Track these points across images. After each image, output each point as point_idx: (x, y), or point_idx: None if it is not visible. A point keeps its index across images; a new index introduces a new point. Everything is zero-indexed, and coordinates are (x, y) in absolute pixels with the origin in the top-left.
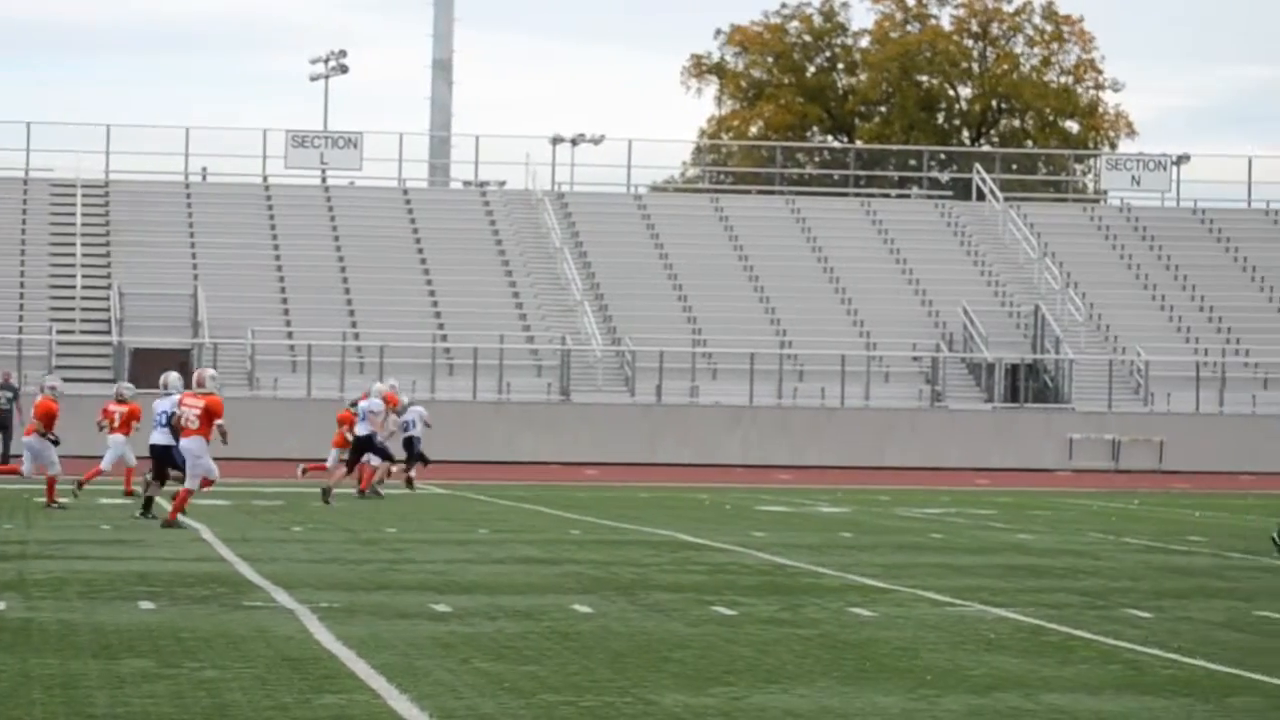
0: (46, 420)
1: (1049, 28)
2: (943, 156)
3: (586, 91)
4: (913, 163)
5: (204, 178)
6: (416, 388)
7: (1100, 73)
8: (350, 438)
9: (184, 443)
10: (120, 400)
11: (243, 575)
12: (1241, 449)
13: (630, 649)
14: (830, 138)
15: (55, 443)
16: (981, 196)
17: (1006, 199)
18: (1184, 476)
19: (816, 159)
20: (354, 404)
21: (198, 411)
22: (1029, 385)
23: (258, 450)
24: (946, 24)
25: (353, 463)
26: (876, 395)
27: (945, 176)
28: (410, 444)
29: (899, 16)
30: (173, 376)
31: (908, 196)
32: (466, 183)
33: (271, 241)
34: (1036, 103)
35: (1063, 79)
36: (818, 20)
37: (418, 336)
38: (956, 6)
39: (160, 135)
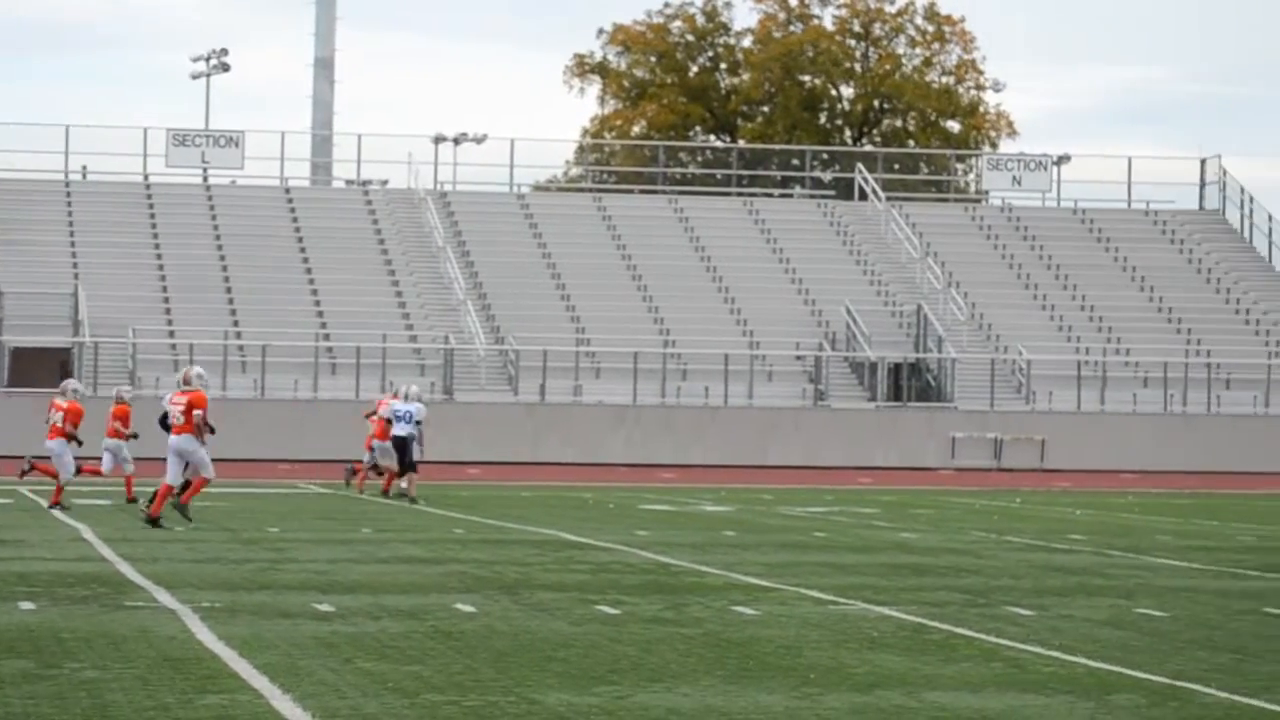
0: (75, 420)
1: (930, 28)
2: (825, 156)
3: (469, 90)
4: (795, 162)
5: (84, 176)
6: (299, 387)
7: (981, 73)
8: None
9: (173, 440)
10: (119, 402)
11: (124, 575)
12: (1122, 448)
13: (514, 648)
14: (713, 137)
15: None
16: (864, 196)
17: (889, 198)
18: (1065, 475)
19: (699, 158)
20: (372, 411)
21: (182, 408)
22: (912, 384)
23: (138, 449)
24: (829, 24)
25: (404, 465)
26: (760, 394)
27: (828, 176)
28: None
29: (781, 17)
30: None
31: (790, 196)
32: (349, 181)
33: (153, 240)
34: (918, 103)
35: (944, 79)
36: (700, 20)
37: (300, 335)
38: (839, 7)
39: (40, 133)
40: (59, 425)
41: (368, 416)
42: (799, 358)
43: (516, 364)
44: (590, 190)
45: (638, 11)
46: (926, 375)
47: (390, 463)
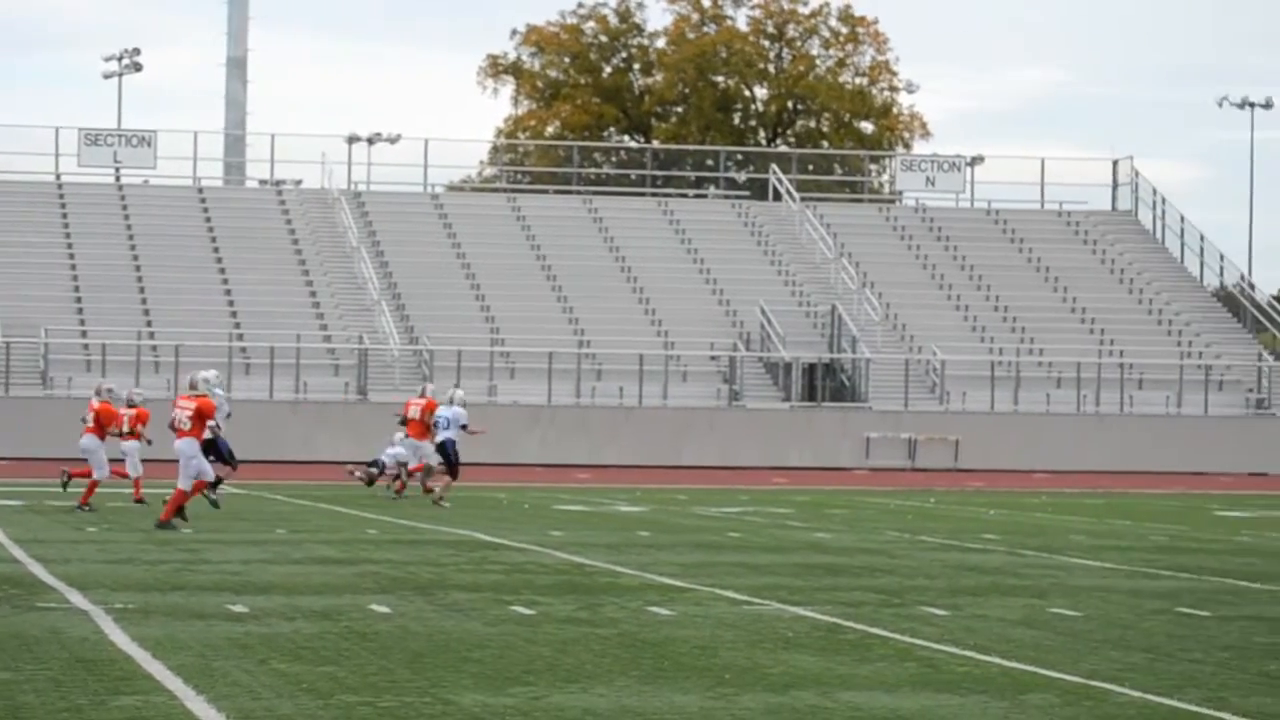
0: (109, 421)
1: (844, 30)
2: (739, 157)
3: (383, 91)
4: (709, 163)
5: None
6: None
7: (895, 75)
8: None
9: (178, 444)
10: (130, 405)
11: (36, 576)
12: (1036, 448)
13: (429, 649)
14: (627, 138)
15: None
16: (778, 197)
17: (803, 199)
18: (979, 475)
19: (613, 159)
20: (403, 415)
21: (189, 413)
22: (826, 384)
23: (51, 450)
24: (743, 25)
25: (451, 469)
26: (674, 394)
27: (742, 177)
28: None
29: (695, 18)
30: (210, 374)
31: (704, 196)
32: (262, 181)
33: (65, 240)
34: (832, 104)
35: (858, 81)
36: (613, 21)
37: (214, 335)
38: (752, 8)
39: None
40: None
41: (400, 418)
42: (714, 358)
43: (431, 364)
44: (504, 190)
45: (551, 12)
46: (841, 375)
47: (432, 462)
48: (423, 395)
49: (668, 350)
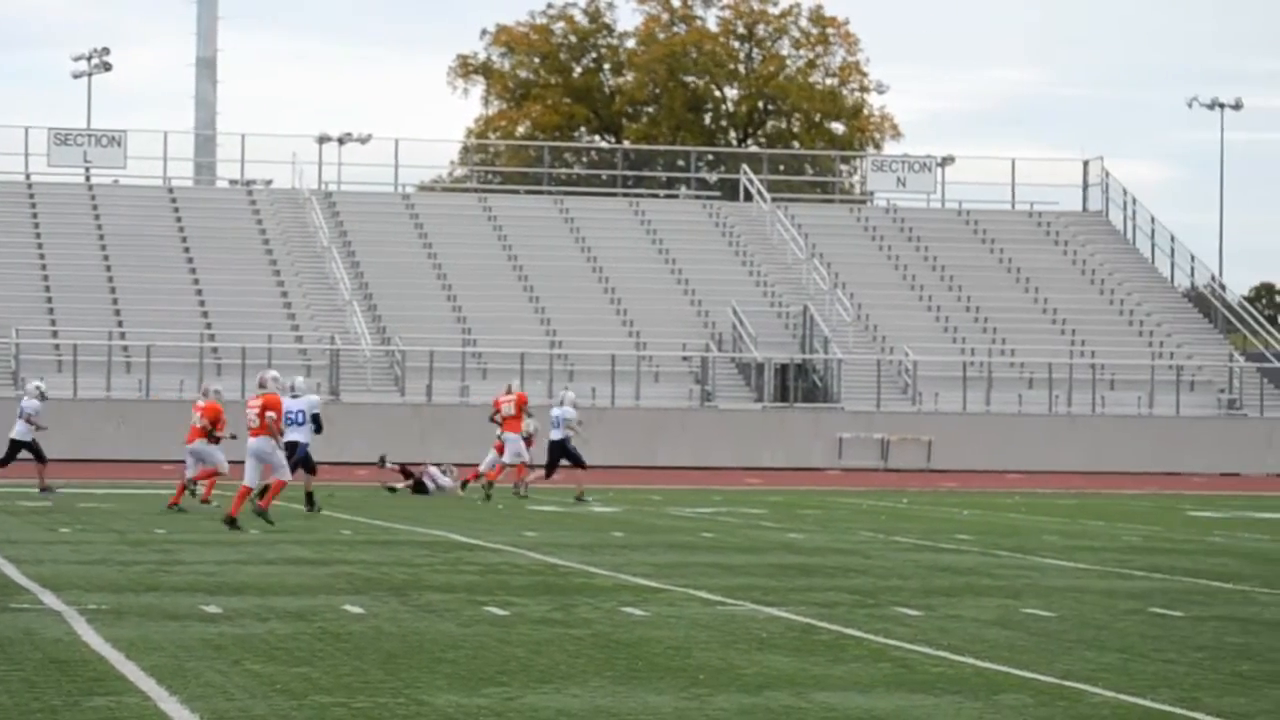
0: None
1: (815, 30)
2: (710, 157)
3: (353, 91)
4: (680, 163)
5: None
6: (184, 387)
7: (865, 75)
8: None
9: (251, 443)
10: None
11: (8, 577)
12: (1008, 448)
13: (403, 649)
14: (598, 138)
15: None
16: (749, 197)
17: (774, 199)
18: (952, 475)
19: (584, 159)
20: (495, 413)
21: (258, 411)
22: (798, 385)
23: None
24: (713, 25)
25: (551, 468)
26: (647, 395)
27: (713, 177)
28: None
29: (665, 18)
30: (298, 380)
31: (676, 197)
32: (233, 181)
33: (35, 240)
34: (803, 104)
35: (828, 81)
36: (583, 21)
37: (185, 336)
38: (722, 8)
39: None
40: (198, 426)
41: (497, 420)
42: (685, 358)
43: (403, 364)
44: (475, 190)
45: (521, 12)
46: (813, 376)
47: (521, 458)
48: (509, 391)
49: (640, 351)
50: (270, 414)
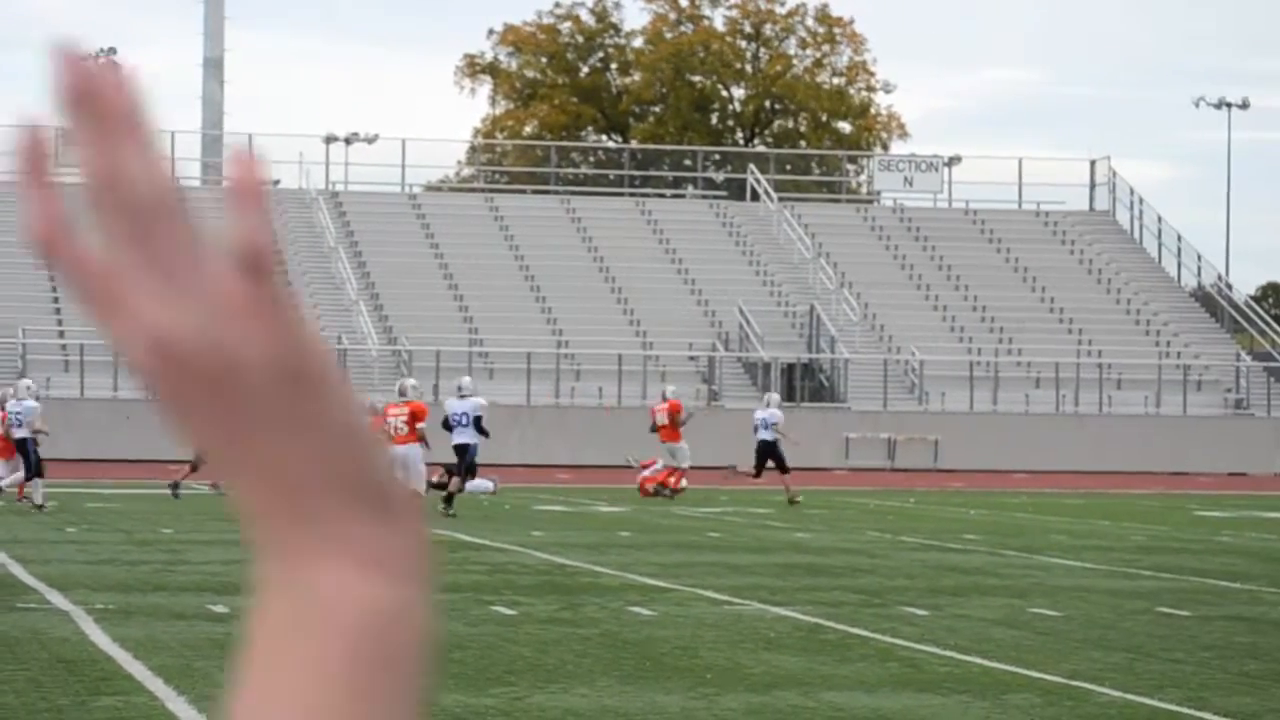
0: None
1: (821, 30)
2: (717, 157)
3: (360, 91)
4: (687, 163)
5: None
6: None
7: (872, 74)
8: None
9: (397, 450)
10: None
11: (15, 576)
12: (1015, 447)
13: None
14: (605, 138)
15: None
16: (756, 197)
17: (781, 199)
18: (959, 475)
19: (591, 159)
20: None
21: (404, 418)
22: (805, 385)
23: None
24: (719, 25)
25: (760, 468)
26: (654, 394)
27: (720, 177)
28: None
29: (672, 17)
30: (465, 381)
31: (682, 196)
32: None
33: None
34: (809, 104)
35: (835, 80)
36: (590, 21)
37: None
38: (729, 8)
39: None
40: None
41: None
42: (692, 358)
43: (409, 364)
44: (482, 190)
45: (528, 12)
46: (820, 376)
47: (675, 462)
48: (664, 399)
49: (646, 350)
50: (420, 425)
